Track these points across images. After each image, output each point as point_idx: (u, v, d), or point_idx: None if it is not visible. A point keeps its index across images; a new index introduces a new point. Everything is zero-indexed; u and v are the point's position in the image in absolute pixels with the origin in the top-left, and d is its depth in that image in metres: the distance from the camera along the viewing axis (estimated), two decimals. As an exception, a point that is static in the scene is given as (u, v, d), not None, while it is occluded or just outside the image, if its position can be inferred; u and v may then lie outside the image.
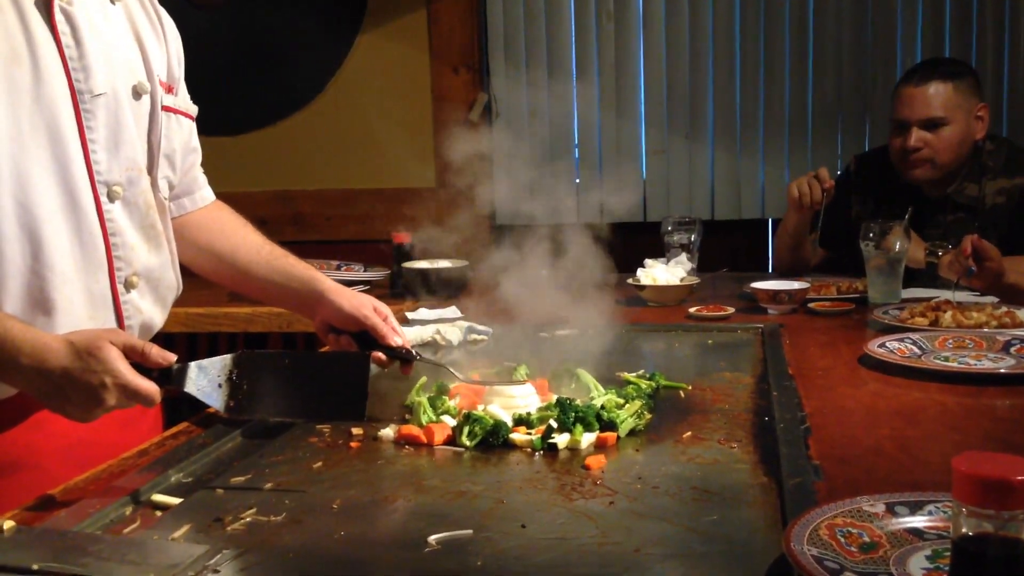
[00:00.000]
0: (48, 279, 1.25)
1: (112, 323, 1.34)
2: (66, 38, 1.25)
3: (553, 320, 1.91)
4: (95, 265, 1.31)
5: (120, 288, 1.34)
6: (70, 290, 1.28)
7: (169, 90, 1.43)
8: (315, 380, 1.27)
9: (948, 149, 2.50)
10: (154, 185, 1.39)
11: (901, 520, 0.96)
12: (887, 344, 1.72)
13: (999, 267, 2.11)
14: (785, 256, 2.74)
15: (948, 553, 0.90)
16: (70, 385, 1.12)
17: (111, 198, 1.31)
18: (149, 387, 1.14)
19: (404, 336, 1.51)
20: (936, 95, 2.48)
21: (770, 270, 3.07)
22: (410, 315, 2.17)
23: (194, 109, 1.50)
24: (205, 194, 1.59)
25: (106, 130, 1.29)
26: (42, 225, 1.24)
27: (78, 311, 1.29)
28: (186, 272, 1.58)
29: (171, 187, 1.46)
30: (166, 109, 1.40)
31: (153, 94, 1.37)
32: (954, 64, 2.67)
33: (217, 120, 3.80)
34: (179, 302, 1.55)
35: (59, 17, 1.24)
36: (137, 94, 1.34)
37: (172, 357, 1.18)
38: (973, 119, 2.52)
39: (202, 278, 1.63)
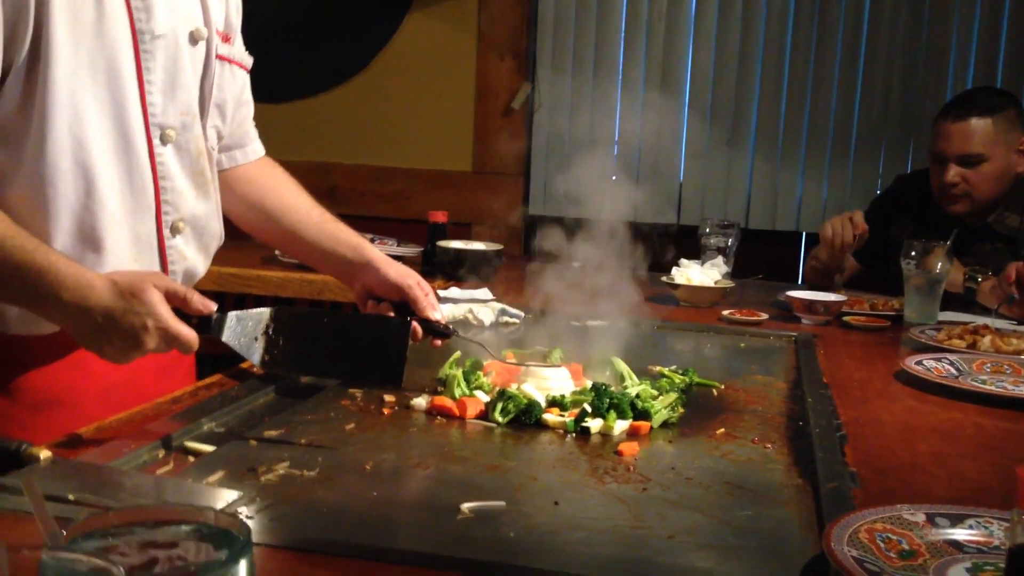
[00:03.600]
0: (99, 217, 1.25)
1: (156, 267, 1.34)
2: None
3: (585, 311, 1.90)
4: (143, 207, 1.31)
5: (166, 233, 1.34)
6: (118, 230, 1.28)
7: (226, 39, 1.42)
8: (353, 342, 1.27)
9: (986, 184, 2.47)
10: (204, 133, 1.39)
11: (941, 531, 0.95)
12: (924, 362, 1.70)
13: None
14: (814, 279, 2.73)
15: (989, 567, 0.89)
16: (111, 325, 1.12)
17: (164, 141, 1.31)
18: (188, 333, 1.14)
19: (442, 312, 1.51)
20: (975, 131, 2.44)
21: (799, 282, 3.04)
22: (442, 293, 2.17)
23: (249, 60, 1.50)
24: (256, 148, 1.59)
25: (164, 73, 1.29)
26: (95, 162, 1.24)
27: (124, 252, 1.29)
28: (227, 228, 1.58)
29: (220, 137, 1.45)
30: (220, 58, 1.39)
31: (209, 41, 1.37)
32: (994, 96, 2.61)
33: (261, 86, 3.83)
34: (212, 260, 1.55)
35: None
36: (194, 40, 1.34)
37: (213, 306, 1.18)
38: (1014, 153, 2.49)
39: (237, 238, 1.62)
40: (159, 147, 1.31)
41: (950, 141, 2.47)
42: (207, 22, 1.36)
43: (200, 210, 1.39)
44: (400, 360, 1.26)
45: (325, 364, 1.27)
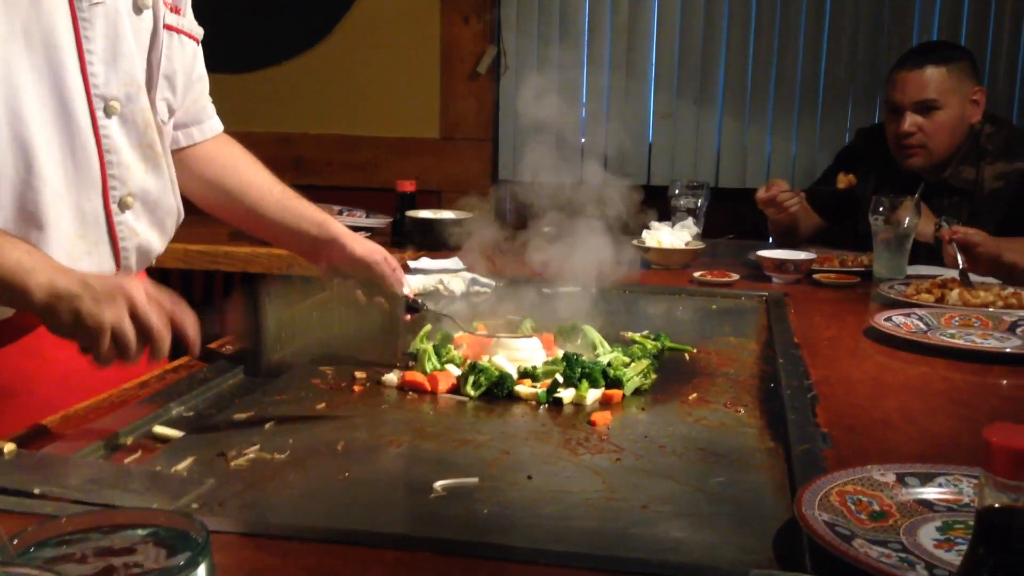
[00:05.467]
0: (41, 191, 1.20)
1: (105, 244, 1.29)
2: None
3: (556, 277, 1.89)
4: (88, 182, 1.26)
5: (114, 208, 1.29)
6: (61, 205, 1.23)
7: (175, 10, 1.38)
8: (347, 325, 1.26)
9: (941, 133, 2.47)
10: (153, 106, 1.35)
11: (911, 491, 0.96)
12: (893, 318, 1.71)
13: (991, 249, 2.09)
14: (780, 229, 2.73)
15: (959, 525, 0.90)
16: (93, 282, 1.08)
17: (108, 113, 1.26)
18: (159, 323, 1.09)
19: (410, 287, 1.49)
20: (930, 79, 2.45)
21: (770, 240, 3.05)
22: (412, 264, 2.15)
23: (199, 31, 1.45)
24: (214, 124, 1.55)
25: (104, 41, 1.25)
26: (34, 135, 1.19)
27: (68, 228, 1.24)
28: (189, 207, 1.55)
29: (171, 111, 1.41)
30: (168, 28, 1.35)
31: (156, 10, 1.32)
32: (949, 48, 2.63)
33: (221, 56, 3.73)
34: (177, 238, 1.52)
35: None
36: (138, 8, 1.29)
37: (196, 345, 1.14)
38: (968, 103, 2.49)
39: (203, 214, 1.59)
40: (103, 119, 1.26)
41: (905, 89, 2.48)
42: None
43: (151, 185, 1.35)
44: (395, 337, 1.26)
45: (322, 350, 1.25)
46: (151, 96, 1.33)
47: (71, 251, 1.23)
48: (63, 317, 1.07)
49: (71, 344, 1.10)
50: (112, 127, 1.27)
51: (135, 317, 1.07)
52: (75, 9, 1.21)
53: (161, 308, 1.09)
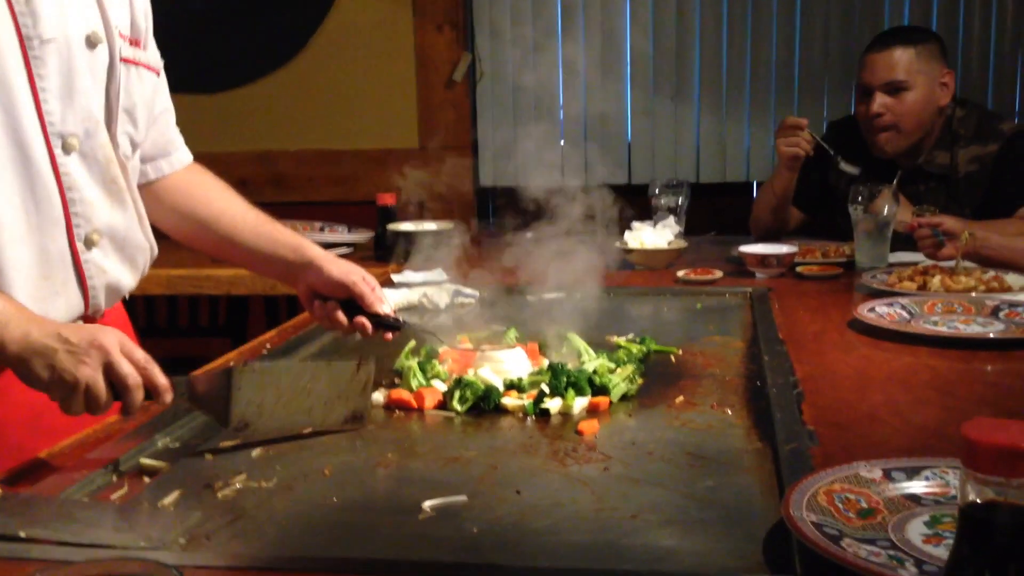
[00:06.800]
0: None
1: (73, 283, 1.28)
2: None
3: (540, 283, 1.89)
4: (50, 221, 1.24)
5: (80, 246, 1.28)
6: (20, 247, 1.21)
7: (135, 43, 1.37)
8: (316, 390, 1.24)
9: (910, 114, 2.49)
10: (114, 141, 1.33)
11: (899, 485, 0.96)
12: (877, 309, 1.72)
13: (957, 228, 2.09)
14: (766, 218, 2.73)
15: (947, 519, 0.90)
16: (69, 334, 1.07)
17: (66, 150, 1.25)
18: (134, 373, 1.08)
19: (390, 305, 1.49)
20: (898, 60, 2.48)
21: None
22: (396, 278, 2.15)
23: (159, 64, 1.44)
24: (182, 156, 1.54)
25: (59, 78, 1.23)
26: None
27: (30, 269, 1.22)
28: (167, 235, 1.54)
29: (133, 144, 1.39)
30: (125, 61, 1.33)
31: (111, 45, 1.31)
32: (918, 31, 2.66)
33: (195, 77, 3.76)
34: (160, 263, 1.51)
35: None
36: (92, 44, 1.27)
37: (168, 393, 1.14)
38: (937, 85, 2.51)
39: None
40: (61, 156, 1.24)
41: (875, 70, 2.50)
42: (106, 26, 1.30)
43: (117, 221, 1.33)
44: (365, 402, 1.25)
45: (292, 417, 1.23)
46: (111, 131, 1.32)
47: (35, 293, 1.21)
48: (38, 372, 1.07)
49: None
50: (71, 164, 1.25)
51: (110, 371, 1.07)
52: (26, 48, 1.19)
53: (134, 361, 1.09)
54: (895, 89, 2.48)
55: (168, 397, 1.12)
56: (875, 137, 2.53)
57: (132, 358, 1.09)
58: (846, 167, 2.54)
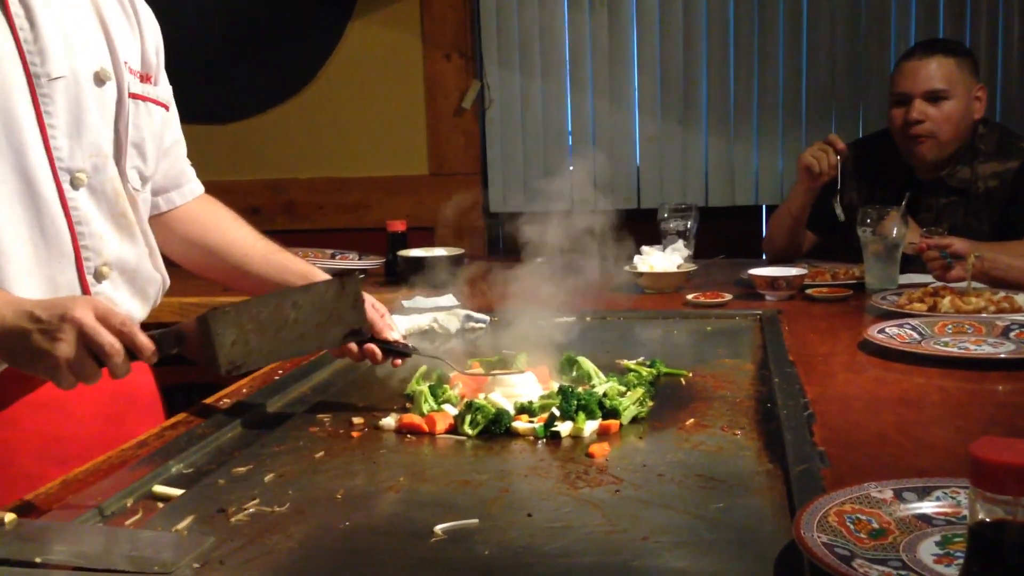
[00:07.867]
0: (4, 269, 1.20)
1: None
2: (19, 20, 1.22)
3: (551, 308, 1.90)
4: (59, 255, 1.26)
5: (90, 279, 1.30)
6: (29, 280, 1.23)
7: (146, 79, 1.39)
8: (306, 313, 1.24)
9: (949, 124, 2.49)
10: (123, 175, 1.35)
11: (910, 506, 0.96)
12: (887, 330, 1.72)
13: (964, 249, 2.09)
14: (780, 239, 2.73)
15: (958, 539, 0.90)
16: (40, 312, 1.08)
17: (75, 185, 1.27)
18: (111, 340, 1.08)
19: (400, 331, 1.50)
20: (939, 68, 2.48)
21: (763, 256, 3.06)
22: (406, 303, 2.16)
23: (169, 98, 1.46)
24: (194, 187, 1.56)
25: (67, 115, 1.25)
26: None
27: None
28: (178, 264, 1.56)
29: (143, 178, 1.40)
30: (134, 96, 1.36)
31: (120, 81, 1.33)
32: (956, 43, 2.68)
33: (207, 108, 3.80)
34: (172, 291, 1.53)
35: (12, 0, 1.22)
36: (100, 80, 1.30)
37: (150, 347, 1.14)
38: (972, 98, 2.52)
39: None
40: (70, 191, 1.26)
41: (916, 78, 2.50)
42: (115, 62, 1.33)
43: (127, 254, 1.35)
44: (359, 316, 1.25)
45: (286, 346, 1.24)
46: (120, 166, 1.33)
47: None
48: (17, 356, 1.09)
49: (48, 414, 1.11)
50: (80, 199, 1.28)
51: (87, 341, 1.07)
52: (34, 85, 1.22)
53: (111, 326, 1.09)
54: (936, 98, 2.49)
55: (151, 356, 1.12)
56: (915, 146, 2.53)
57: (108, 323, 1.09)
58: (836, 207, 2.55)
